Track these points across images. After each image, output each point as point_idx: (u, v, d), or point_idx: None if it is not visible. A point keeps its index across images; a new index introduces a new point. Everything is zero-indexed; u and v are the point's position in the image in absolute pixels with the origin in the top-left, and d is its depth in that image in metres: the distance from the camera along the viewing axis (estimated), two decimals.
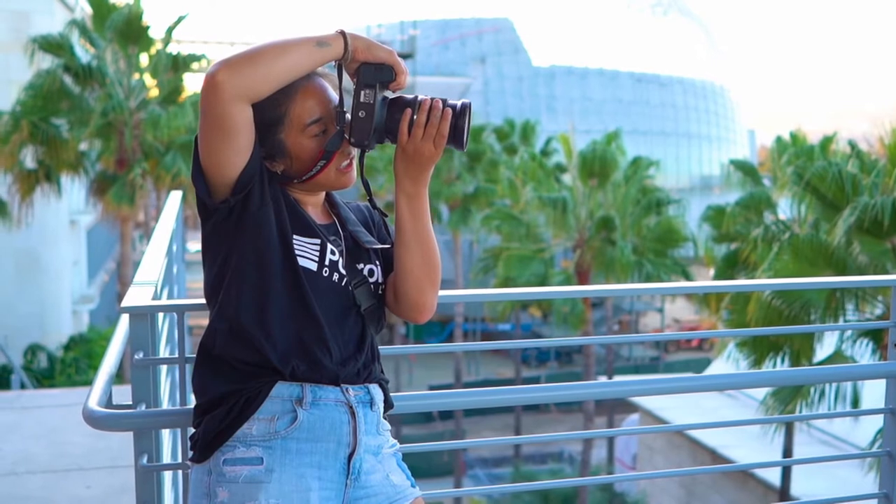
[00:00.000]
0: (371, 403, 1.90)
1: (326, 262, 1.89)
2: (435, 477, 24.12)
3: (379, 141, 1.87)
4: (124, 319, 2.70)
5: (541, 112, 37.81)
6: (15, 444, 5.30)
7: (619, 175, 19.78)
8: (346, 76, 1.88)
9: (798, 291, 10.79)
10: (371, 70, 1.82)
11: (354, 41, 1.80)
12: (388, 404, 2.00)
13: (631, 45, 42.71)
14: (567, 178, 21.21)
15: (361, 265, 1.97)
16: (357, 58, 1.82)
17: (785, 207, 15.09)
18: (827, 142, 16.91)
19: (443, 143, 1.85)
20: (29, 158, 16.37)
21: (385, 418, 2.00)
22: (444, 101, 1.85)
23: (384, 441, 1.93)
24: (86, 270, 26.92)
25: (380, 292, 2.00)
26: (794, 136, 17.79)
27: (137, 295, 2.49)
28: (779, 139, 18.46)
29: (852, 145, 13.65)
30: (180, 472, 2.53)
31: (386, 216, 2.09)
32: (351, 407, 1.85)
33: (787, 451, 13.66)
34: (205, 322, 1.96)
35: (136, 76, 16.85)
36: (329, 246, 1.90)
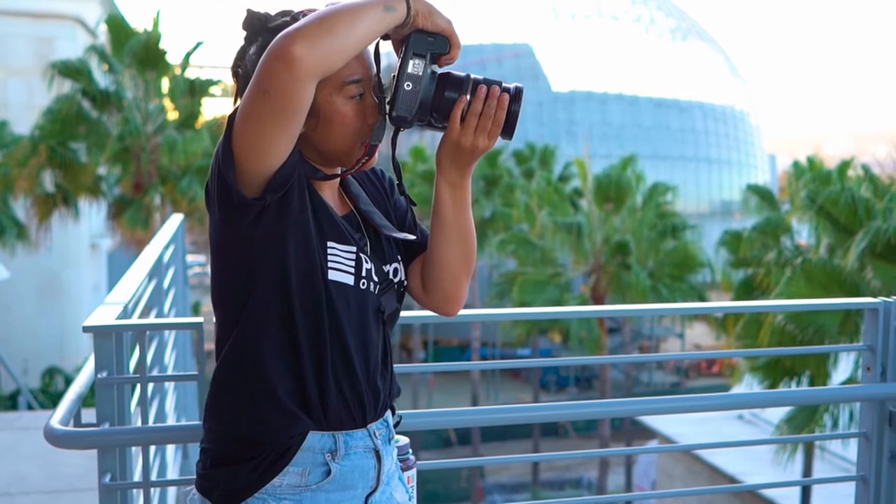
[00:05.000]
0: (390, 438, 1.82)
1: (363, 273, 1.72)
2: (452, 502, 24.00)
3: (420, 119, 1.67)
4: None
5: (560, 137, 37.81)
6: (10, 464, 5.33)
7: (635, 200, 19.76)
8: None
9: (811, 317, 10.72)
10: (424, 39, 1.62)
11: (416, 4, 1.61)
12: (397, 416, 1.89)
13: (650, 70, 42.64)
14: (584, 203, 21.21)
15: (387, 266, 1.79)
16: (416, 23, 1.62)
17: (805, 232, 15.04)
18: (844, 166, 16.84)
19: (497, 134, 1.68)
20: (47, 182, 16.56)
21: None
22: (499, 85, 1.67)
23: (392, 460, 1.84)
24: (106, 294, 27.08)
25: (401, 291, 1.85)
26: (811, 161, 17.73)
27: (102, 314, 2.50)
28: (796, 164, 18.39)
29: (866, 169, 13.57)
30: (142, 490, 2.52)
31: (414, 204, 1.90)
32: (377, 451, 1.76)
33: (807, 476, 13.52)
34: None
35: (155, 101, 17.04)
36: (362, 255, 1.73)
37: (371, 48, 1.68)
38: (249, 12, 1.70)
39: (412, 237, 1.83)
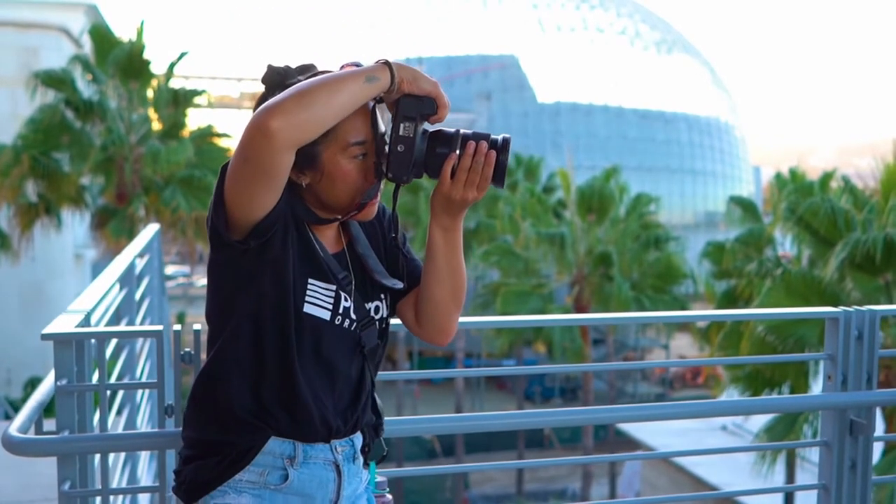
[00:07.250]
0: (354, 457, 1.89)
1: (340, 310, 1.82)
2: None
3: (416, 175, 1.78)
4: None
5: (546, 148, 37.84)
6: None
7: (618, 211, 19.82)
8: None
9: (791, 327, 10.76)
10: (412, 102, 1.73)
11: (400, 72, 1.71)
12: (377, 446, 1.97)
13: (636, 81, 42.83)
14: (568, 214, 21.25)
15: (369, 304, 1.90)
16: (402, 89, 1.72)
17: (788, 244, 15.10)
18: (827, 178, 16.94)
19: (486, 186, 1.78)
20: (30, 192, 16.48)
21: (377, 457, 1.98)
22: (487, 139, 1.77)
23: (359, 482, 1.93)
24: None
25: (384, 326, 1.94)
26: (793, 173, 17.83)
27: (62, 322, 2.50)
28: (778, 175, 18.49)
29: (846, 180, 13.65)
30: (101, 498, 2.51)
31: (406, 258, 1.98)
32: (338, 465, 1.84)
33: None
34: None
35: (139, 111, 16.97)
36: (342, 293, 1.83)
37: (369, 110, 1.78)
38: (270, 68, 1.80)
39: (400, 286, 1.93)
